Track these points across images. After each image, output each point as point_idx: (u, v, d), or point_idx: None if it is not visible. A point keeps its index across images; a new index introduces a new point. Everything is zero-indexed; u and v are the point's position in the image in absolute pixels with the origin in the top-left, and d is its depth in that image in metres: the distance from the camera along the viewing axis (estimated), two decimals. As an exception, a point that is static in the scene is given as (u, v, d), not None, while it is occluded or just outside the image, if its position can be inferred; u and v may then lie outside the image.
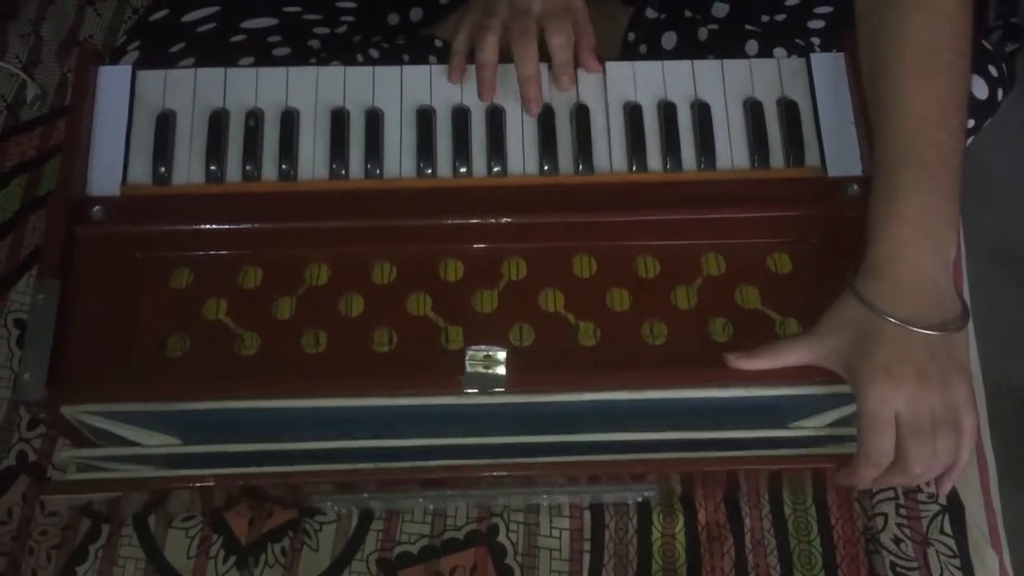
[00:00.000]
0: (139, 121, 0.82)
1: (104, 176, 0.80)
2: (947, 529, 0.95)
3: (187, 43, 0.93)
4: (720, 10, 1.00)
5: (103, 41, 1.24)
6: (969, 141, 0.94)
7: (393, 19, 1.04)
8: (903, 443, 0.69)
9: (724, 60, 0.85)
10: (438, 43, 0.98)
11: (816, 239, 0.78)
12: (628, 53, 0.98)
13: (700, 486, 0.94)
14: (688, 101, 0.84)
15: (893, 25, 0.76)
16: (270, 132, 0.82)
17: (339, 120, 0.82)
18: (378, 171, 0.81)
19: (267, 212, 0.79)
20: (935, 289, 0.71)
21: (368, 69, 0.85)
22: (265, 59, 0.93)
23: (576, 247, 0.78)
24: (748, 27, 0.96)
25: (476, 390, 0.72)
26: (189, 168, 0.81)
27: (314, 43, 0.98)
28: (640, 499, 0.94)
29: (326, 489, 0.86)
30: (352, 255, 0.78)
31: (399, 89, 0.84)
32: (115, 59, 0.94)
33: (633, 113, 0.83)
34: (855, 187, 0.79)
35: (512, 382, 0.72)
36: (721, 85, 0.84)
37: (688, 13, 0.99)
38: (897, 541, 0.94)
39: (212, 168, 0.81)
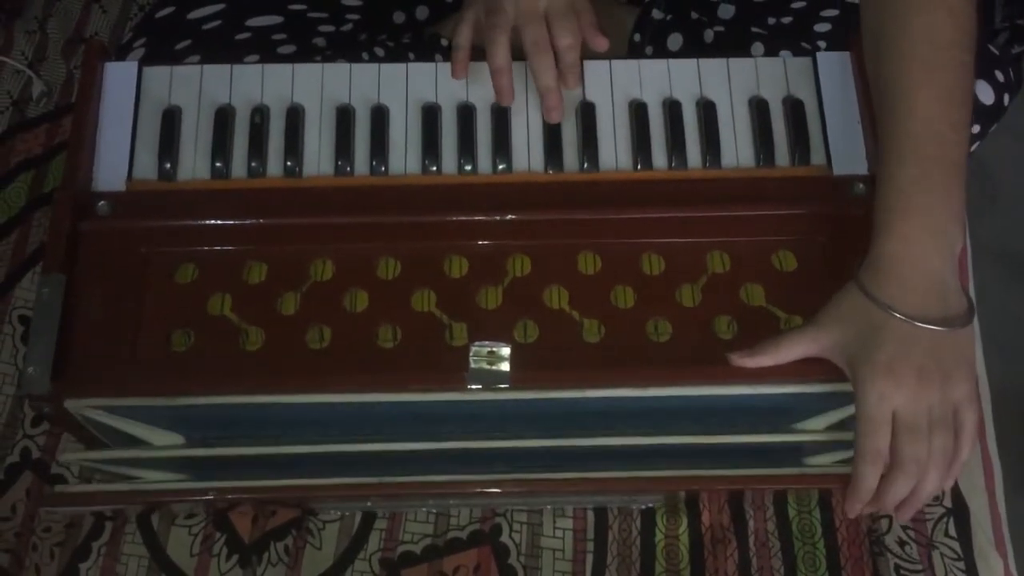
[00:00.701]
0: (145, 117, 0.83)
1: (110, 172, 0.81)
2: (952, 532, 0.95)
3: (193, 40, 0.93)
4: (726, 12, 1.00)
5: (109, 38, 1.24)
6: (975, 146, 0.94)
7: (399, 17, 1.04)
8: (897, 442, 0.69)
9: (730, 59, 0.86)
10: (444, 42, 0.98)
11: (821, 237, 0.78)
12: (634, 54, 0.98)
13: (705, 492, 0.93)
14: (694, 99, 0.84)
15: (896, 21, 0.76)
16: (275, 129, 0.82)
17: (344, 117, 0.82)
18: (383, 168, 0.81)
19: (272, 208, 0.79)
20: (940, 285, 0.71)
21: (374, 66, 0.85)
22: (270, 57, 0.93)
23: (581, 244, 0.78)
24: (754, 29, 0.96)
25: (480, 386, 0.72)
26: (194, 164, 0.82)
27: (319, 41, 0.98)
28: (644, 507, 0.94)
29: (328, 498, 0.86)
30: (357, 251, 0.78)
31: (404, 86, 0.84)
32: (121, 56, 0.94)
33: (639, 111, 0.83)
34: (861, 186, 0.79)
35: (516, 379, 0.72)
36: (727, 83, 0.84)
37: (694, 15, 0.99)
38: (902, 544, 0.94)
39: (217, 164, 0.81)
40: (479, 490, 0.78)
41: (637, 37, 0.99)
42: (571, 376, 0.73)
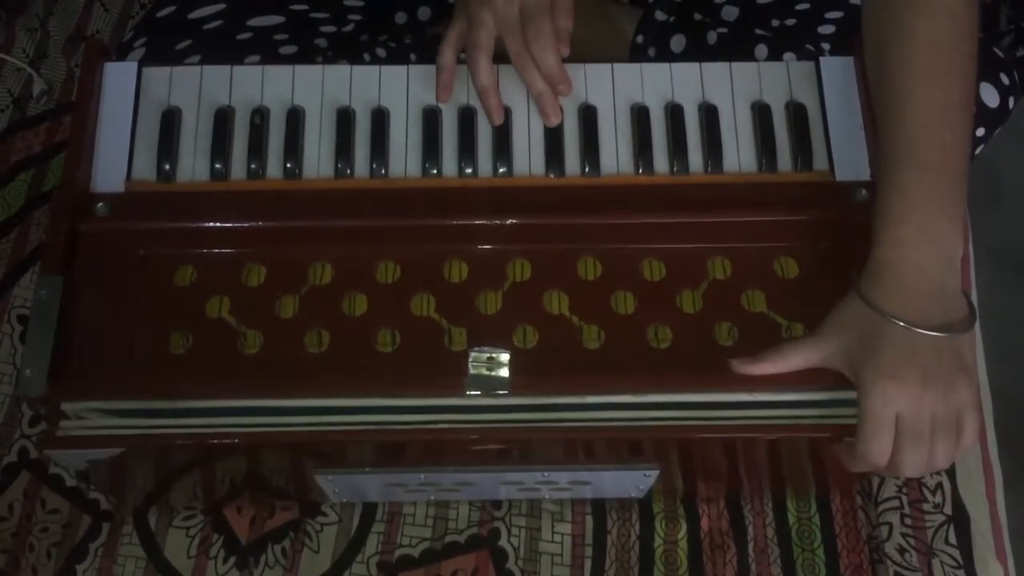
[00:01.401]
0: (144, 117, 0.82)
1: (109, 172, 0.80)
2: (952, 539, 0.94)
3: (194, 40, 0.93)
4: (730, 13, 0.99)
5: (110, 36, 1.23)
6: (979, 149, 0.93)
7: (401, 18, 1.03)
8: (899, 446, 0.69)
9: (732, 63, 0.85)
10: (445, 42, 0.98)
11: (824, 243, 0.78)
12: (637, 56, 0.98)
13: (701, 473, 0.91)
14: (696, 103, 0.83)
15: (898, 25, 0.75)
16: (275, 130, 0.82)
17: (345, 119, 0.82)
18: (383, 170, 0.81)
19: (271, 210, 0.79)
20: (939, 290, 0.70)
21: (374, 68, 0.85)
22: (271, 57, 0.93)
23: (581, 249, 0.78)
24: (758, 31, 0.96)
25: (479, 392, 0.72)
26: (194, 165, 0.81)
27: (321, 42, 0.97)
28: (642, 486, 0.92)
29: (326, 462, 0.84)
30: (356, 254, 0.77)
31: (405, 88, 0.84)
32: (122, 55, 0.93)
33: (640, 115, 0.82)
34: (863, 191, 0.78)
35: (515, 384, 0.72)
36: (729, 87, 0.84)
37: (697, 16, 0.98)
38: (902, 551, 0.94)
39: (217, 166, 0.81)
40: (475, 436, 0.75)
41: (640, 38, 0.98)
42: (571, 382, 0.73)
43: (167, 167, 0.81)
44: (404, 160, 0.82)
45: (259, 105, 0.83)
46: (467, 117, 0.82)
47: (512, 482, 0.89)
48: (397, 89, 0.84)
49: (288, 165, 0.81)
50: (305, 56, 0.94)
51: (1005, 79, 0.94)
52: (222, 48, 0.92)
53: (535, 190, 0.80)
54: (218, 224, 0.78)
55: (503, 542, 0.94)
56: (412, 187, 0.80)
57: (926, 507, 0.96)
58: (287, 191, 0.80)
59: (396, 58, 0.98)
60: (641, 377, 0.73)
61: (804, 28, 0.95)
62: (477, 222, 0.78)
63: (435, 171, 0.81)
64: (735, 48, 0.95)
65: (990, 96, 0.92)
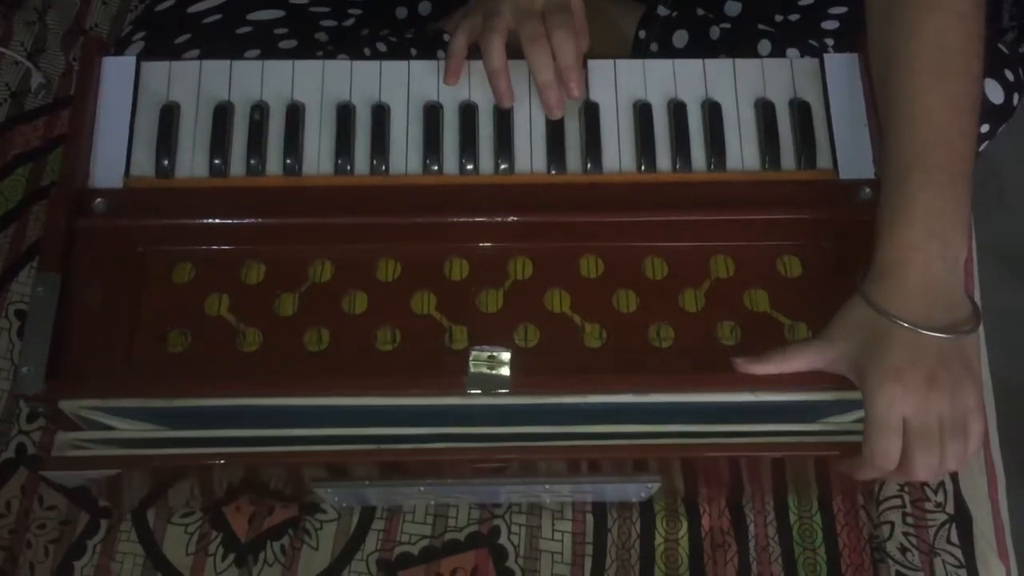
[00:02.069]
0: (143, 113, 0.82)
1: (107, 168, 0.80)
2: (954, 539, 0.94)
3: (193, 34, 0.92)
4: (733, 9, 0.99)
5: (109, 30, 1.23)
6: (983, 146, 0.93)
7: (401, 12, 1.03)
8: (910, 449, 0.68)
9: (736, 60, 0.85)
10: (447, 37, 0.97)
11: (827, 242, 0.77)
12: (639, 51, 0.97)
13: (704, 483, 0.92)
14: (699, 100, 0.83)
15: (905, 25, 0.75)
16: (275, 126, 0.81)
17: (345, 115, 0.81)
18: (384, 167, 0.80)
19: (271, 207, 0.78)
20: (944, 292, 0.70)
21: (375, 63, 0.84)
22: (271, 51, 0.92)
23: (583, 247, 0.78)
24: (761, 27, 0.95)
25: (479, 391, 0.71)
26: (193, 161, 0.81)
27: (321, 36, 0.97)
28: (644, 494, 0.92)
29: (325, 476, 0.84)
30: (356, 252, 0.77)
31: (406, 84, 0.83)
32: (120, 49, 0.92)
33: (643, 112, 0.82)
34: (867, 190, 0.78)
35: (516, 383, 0.71)
36: (732, 85, 0.83)
37: (700, 11, 0.98)
38: (903, 550, 0.93)
39: (216, 162, 0.80)
40: (475, 458, 0.75)
41: (642, 34, 0.98)
42: (572, 382, 0.72)
43: (166, 163, 0.80)
44: (405, 157, 0.81)
45: (259, 100, 0.82)
46: (468, 114, 0.82)
47: (514, 491, 0.89)
48: (398, 85, 0.83)
49: (288, 161, 0.80)
50: (305, 50, 0.94)
51: (1010, 75, 0.93)
52: (221, 42, 0.92)
53: (536, 187, 0.79)
54: (217, 221, 0.78)
55: (503, 540, 0.94)
56: (413, 184, 0.80)
57: (928, 506, 0.95)
58: (287, 188, 0.80)
59: (397, 53, 0.97)
60: (643, 376, 0.72)
61: (807, 23, 0.95)
62: (478, 219, 0.77)
63: (436, 168, 0.80)
64: (738, 44, 0.94)
65: (995, 93, 0.92)
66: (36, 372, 0.71)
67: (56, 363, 0.72)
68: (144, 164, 0.80)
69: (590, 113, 0.82)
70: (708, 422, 0.75)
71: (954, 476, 0.97)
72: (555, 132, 0.81)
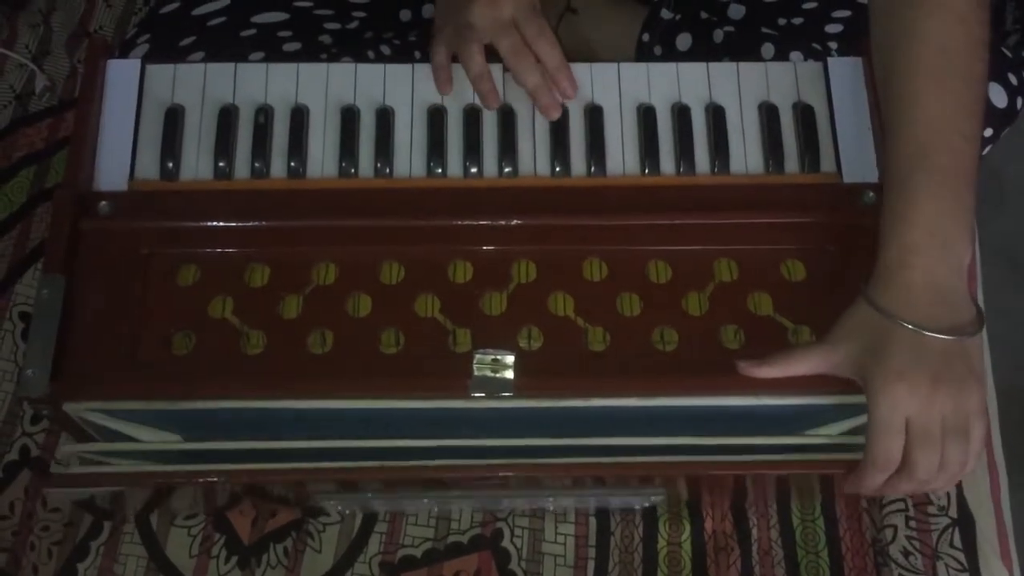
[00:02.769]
0: (147, 115, 0.82)
1: (111, 171, 0.80)
2: (957, 542, 0.94)
3: (197, 36, 0.93)
4: (736, 12, 0.99)
5: (113, 32, 1.23)
6: (987, 149, 0.93)
7: (405, 15, 1.03)
8: (911, 450, 0.68)
9: (740, 63, 0.85)
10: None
11: (831, 246, 0.77)
12: (642, 54, 0.98)
13: (708, 492, 0.93)
14: (703, 104, 0.83)
15: (908, 28, 0.75)
16: (279, 129, 0.82)
17: (349, 117, 0.82)
18: (388, 170, 0.81)
19: (275, 210, 0.78)
20: (948, 294, 0.70)
21: (379, 66, 0.84)
22: (275, 54, 0.92)
23: (587, 250, 0.77)
24: (765, 30, 0.95)
25: (483, 394, 0.71)
26: (197, 164, 0.81)
27: (325, 38, 0.97)
28: (647, 504, 0.93)
29: (329, 488, 0.85)
30: (360, 255, 0.77)
31: (410, 87, 0.83)
32: (125, 51, 0.93)
33: (647, 115, 0.82)
34: (871, 194, 0.78)
35: (520, 386, 0.71)
36: (736, 88, 0.83)
37: (704, 15, 0.98)
38: (906, 553, 0.93)
39: (220, 164, 0.80)
40: (479, 475, 0.76)
41: (646, 37, 0.98)
42: (576, 385, 0.72)
43: (170, 165, 0.80)
44: (409, 160, 0.81)
45: (263, 103, 0.82)
46: (472, 117, 0.82)
47: (517, 499, 0.89)
48: (402, 88, 0.83)
49: (292, 164, 0.80)
50: (309, 53, 0.94)
51: (1013, 79, 0.93)
52: (226, 45, 0.92)
53: (540, 190, 0.80)
54: (221, 223, 0.78)
55: (506, 543, 0.94)
56: (417, 187, 0.80)
57: (931, 510, 0.95)
58: (291, 190, 0.80)
59: (400, 55, 0.98)
60: (647, 380, 0.72)
61: (811, 27, 0.95)
62: (482, 222, 0.77)
63: (440, 171, 0.80)
64: (741, 47, 0.94)
65: (998, 96, 0.92)
66: (40, 374, 0.71)
67: (60, 365, 0.72)
68: (148, 166, 0.80)
69: (594, 116, 0.82)
70: (713, 433, 0.75)
71: (957, 479, 0.97)
72: (559, 135, 0.81)
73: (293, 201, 0.79)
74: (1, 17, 1.22)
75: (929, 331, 0.68)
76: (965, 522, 0.95)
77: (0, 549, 0.93)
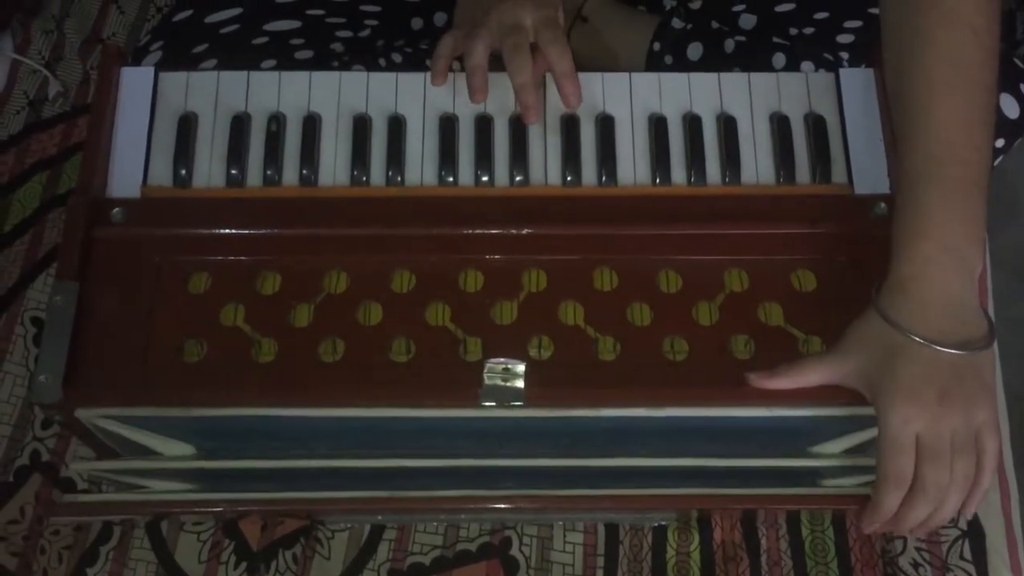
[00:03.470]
0: (161, 123, 0.82)
1: (124, 178, 0.80)
2: (967, 555, 0.94)
3: (210, 44, 0.93)
4: (747, 22, 0.99)
5: (126, 39, 1.23)
6: (999, 160, 0.93)
7: (417, 23, 1.03)
8: (920, 466, 0.68)
9: (751, 73, 0.85)
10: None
11: (842, 257, 0.77)
12: (653, 63, 0.98)
13: (718, 513, 0.93)
14: (714, 114, 0.83)
15: (920, 38, 0.75)
16: (292, 137, 0.82)
17: (361, 126, 0.82)
18: (399, 178, 0.81)
19: (287, 218, 0.78)
20: (960, 307, 0.70)
21: (391, 75, 0.84)
22: (288, 61, 0.93)
23: (597, 260, 0.78)
24: (776, 40, 0.95)
25: (494, 403, 0.71)
26: (210, 171, 0.81)
27: (337, 46, 0.97)
28: (657, 523, 0.93)
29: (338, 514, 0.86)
30: (371, 263, 0.77)
31: (422, 95, 0.83)
32: (138, 58, 0.93)
33: (658, 125, 0.82)
34: (882, 205, 0.78)
35: (531, 396, 0.71)
36: (748, 98, 0.83)
37: (715, 24, 0.98)
38: (916, 565, 0.93)
39: (233, 172, 0.81)
40: (489, 506, 0.77)
41: (657, 45, 0.98)
42: (586, 395, 0.72)
43: (183, 173, 0.80)
44: (420, 168, 0.81)
45: (276, 111, 0.83)
46: (484, 125, 0.82)
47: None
48: (414, 96, 0.83)
49: (304, 172, 0.80)
50: (321, 61, 0.94)
51: (1024, 89, 0.93)
52: (238, 52, 0.92)
53: (551, 199, 0.80)
54: (233, 231, 0.78)
55: (514, 551, 0.94)
56: (428, 195, 0.80)
57: (941, 521, 0.95)
58: (303, 198, 0.80)
59: (412, 63, 0.98)
60: (657, 390, 0.72)
61: (822, 37, 0.95)
62: (493, 231, 0.78)
63: (451, 179, 0.81)
64: (752, 56, 0.94)
65: (1010, 107, 0.92)
66: (53, 380, 0.71)
67: (72, 371, 0.72)
68: (162, 173, 0.81)
69: (605, 125, 0.82)
70: (723, 448, 0.75)
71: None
72: (570, 144, 0.81)
73: (305, 209, 0.79)
74: (15, 23, 1.23)
75: (940, 346, 0.68)
76: (975, 534, 0.95)
77: (10, 553, 0.93)
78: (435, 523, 0.94)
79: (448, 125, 0.82)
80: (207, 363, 0.74)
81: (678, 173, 0.81)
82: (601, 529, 0.95)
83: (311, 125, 0.82)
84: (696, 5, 1.02)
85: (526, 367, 0.72)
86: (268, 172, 0.81)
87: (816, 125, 0.82)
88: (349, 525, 0.94)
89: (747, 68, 0.88)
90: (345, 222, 0.78)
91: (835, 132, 0.82)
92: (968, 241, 0.71)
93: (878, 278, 0.72)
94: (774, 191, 0.80)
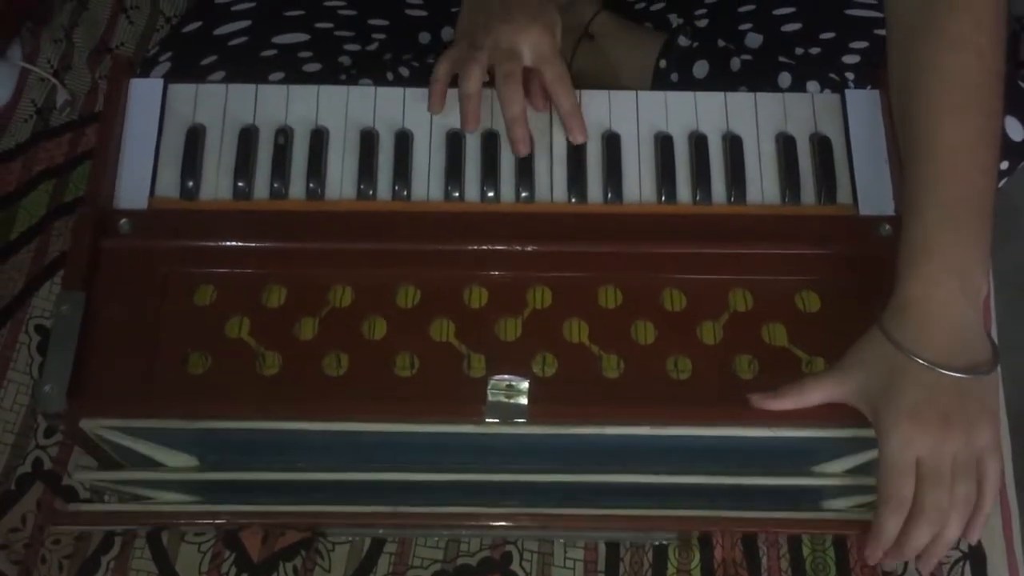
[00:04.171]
0: (169, 134, 0.82)
1: (132, 189, 0.81)
2: (968, 576, 0.94)
3: (218, 56, 0.93)
4: (754, 41, 0.99)
5: (135, 49, 1.24)
6: (1003, 182, 0.93)
7: (424, 38, 1.04)
8: (920, 489, 0.68)
9: (757, 93, 0.85)
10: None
11: (846, 278, 0.77)
12: (659, 81, 0.98)
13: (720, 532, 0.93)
14: (720, 133, 0.83)
15: (925, 62, 0.75)
16: (299, 150, 0.82)
17: (368, 140, 0.82)
18: (406, 193, 0.81)
19: (293, 231, 0.79)
20: (964, 330, 0.70)
21: (399, 90, 0.85)
22: (295, 74, 0.93)
23: (602, 277, 0.78)
24: (782, 59, 0.95)
25: (498, 420, 0.71)
26: (217, 183, 0.81)
27: (345, 59, 0.98)
28: (656, 544, 0.93)
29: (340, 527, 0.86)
30: (376, 277, 0.77)
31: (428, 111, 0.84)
32: (146, 69, 0.94)
33: (664, 144, 0.82)
34: (887, 227, 0.78)
35: (535, 413, 0.71)
36: (754, 118, 0.84)
37: (721, 43, 0.98)
38: (917, 586, 0.93)
39: (240, 184, 0.81)
40: (491, 523, 0.77)
41: (663, 63, 0.98)
42: (590, 412, 0.72)
43: (190, 185, 0.81)
44: (427, 183, 0.81)
45: (283, 124, 0.83)
46: (490, 141, 0.82)
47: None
48: (421, 111, 0.84)
49: (311, 186, 0.81)
50: (329, 74, 0.94)
51: (1030, 112, 0.93)
52: (247, 65, 0.93)
53: (557, 216, 0.80)
54: (240, 243, 0.78)
55: (515, 566, 0.93)
56: (434, 211, 0.80)
57: (942, 543, 0.95)
58: (309, 212, 0.80)
59: (419, 77, 0.98)
60: (661, 408, 0.73)
61: (828, 57, 0.95)
62: (498, 247, 0.78)
63: (457, 195, 0.81)
64: (758, 75, 0.94)
65: (1014, 130, 0.92)
66: (58, 390, 0.71)
67: (77, 381, 0.72)
68: (169, 185, 0.81)
69: (611, 143, 0.82)
70: (725, 467, 0.75)
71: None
72: (576, 162, 0.82)
73: (311, 222, 0.79)
74: (24, 32, 1.23)
75: (944, 369, 0.68)
76: (977, 556, 0.94)
77: (11, 562, 0.93)
78: (436, 537, 0.94)
79: (455, 141, 0.82)
80: (211, 375, 0.74)
81: (683, 192, 0.81)
82: (602, 547, 0.94)
83: (318, 139, 0.82)
84: (703, 23, 1.02)
85: (530, 384, 0.72)
86: (275, 185, 0.81)
87: (822, 146, 0.82)
88: (350, 538, 0.94)
89: (753, 87, 0.88)
90: (351, 236, 0.78)
91: (840, 153, 0.82)
92: (973, 262, 0.71)
93: (882, 299, 0.72)
94: (779, 211, 0.80)
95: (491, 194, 0.81)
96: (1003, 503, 0.97)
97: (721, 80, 0.95)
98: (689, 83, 0.96)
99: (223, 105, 0.84)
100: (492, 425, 0.71)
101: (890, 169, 0.80)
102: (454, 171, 0.81)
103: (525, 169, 0.81)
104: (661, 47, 0.98)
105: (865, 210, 0.80)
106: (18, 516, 0.96)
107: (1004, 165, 0.92)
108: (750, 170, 0.81)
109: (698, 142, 0.82)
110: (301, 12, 0.97)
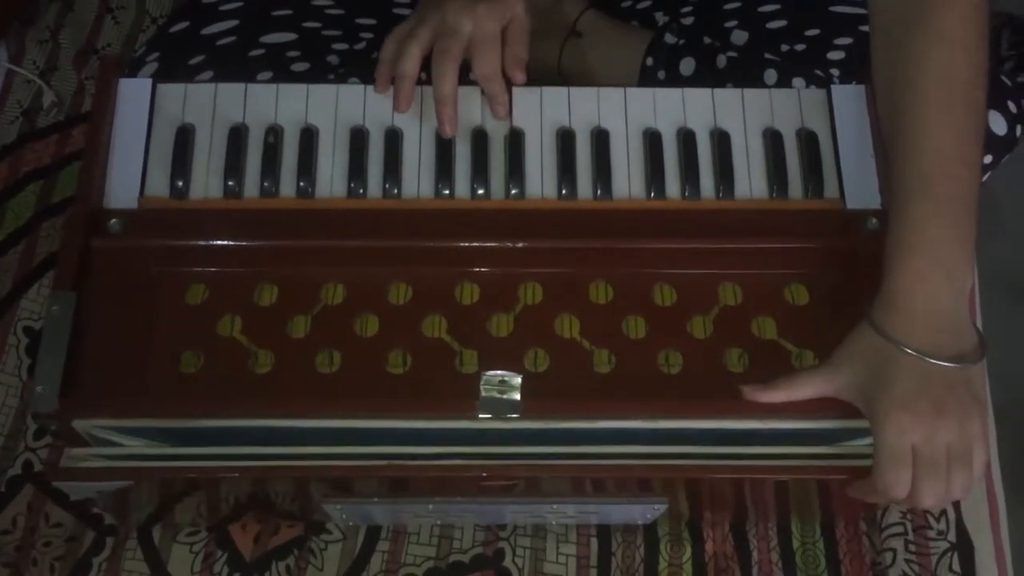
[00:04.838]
0: (158, 134, 0.82)
1: (122, 188, 0.80)
2: (956, 566, 0.94)
3: (206, 56, 0.93)
4: (739, 38, 1.00)
5: (120, 50, 1.23)
6: (986, 176, 0.94)
7: (413, 37, 1.03)
8: (917, 478, 0.69)
9: (744, 89, 0.86)
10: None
11: (834, 271, 0.78)
12: (646, 78, 0.98)
13: (709, 506, 0.92)
14: (708, 129, 0.84)
15: (910, 57, 0.76)
16: (289, 149, 0.82)
17: (358, 138, 0.82)
18: (396, 191, 0.81)
19: (284, 229, 0.79)
20: (952, 321, 0.71)
21: (389, 88, 0.85)
22: (283, 74, 0.93)
23: (593, 273, 0.78)
24: (767, 56, 0.96)
25: (491, 415, 0.72)
26: (207, 183, 0.81)
27: (332, 59, 0.98)
28: (649, 516, 0.93)
29: (333, 492, 0.84)
30: (368, 275, 0.77)
31: (419, 108, 0.84)
32: (133, 69, 0.93)
33: (652, 140, 0.83)
34: (874, 220, 0.79)
35: (527, 408, 0.72)
36: (741, 114, 0.84)
37: (707, 40, 0.99)
38: (905, 577, 0.94)
39: (230, 183, 0.81)
40: (483, 473, 0.75)
41: (650, 61, 0.99)
42: (582, 407, 0.73)
43: (180, 184, 0.81)
44: (417, 181, 0.82)
45: (273, 123, 0.83)
46: (480, 139, 0.83)
47: (519, 511, 0.89)
48: (411, 109, 0.84)
49: (301, 184, 0.81)
50: (317, 73, 0.95)
51: (1012, 107, 0.94)
52: (235, 64, 0.93)
53: (547, 213, 0.80)
54: (230, 243, 0.78)
55: (508, 562, 0.94)
56: (425, 208, 0.81)
57: (930, 534, 0.96)
58: (300, 210, 0.80)
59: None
60: (652, 402, 0.73)
61: (813, 53, 0.96)
62: (489, 244, 0.78)
63: (448, 192, 0.81)
64: (744, 72, 0.95)
65: (998, 124, 0.93)
66: (50, 391, 0.71)
67: (69, 382, 0.72)
68: (159, 185, 0.81)
69: (600, 140, 0.83)
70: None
71: (956, 504, 0.97)
72: (566, 158, 0.82)
73: (302, 221, 0.79)
74: (10, 33, 1.23)
75: (934, 358, 0.69)
76: (964, 547, 0.96)
77: (2, 564, 0.93)
78: (429, 531, 0.94)
79: (445, 138, 0.82)
80: (204, 374, 0.74)
81: (672, 187, 0.82)
82: (594, 541, 0.95)
83: (308, 137, 0.82)
84: (688, 21, 1.03)
85: (522, 379, 0.72)
86: (265, 184, 0.81)
87: (808, 141, 0.83)
88: (343, 535, 0.94)
89: (739, 84, 0.89)
90: (342, 234, 0.79)
91: (827, 148, 0.83)
92: (959, 256, 0.72)
93: (870, 292, 0.73)
94: (767, 206, 0.81)
95: (481, 191, 0.81)
96: (990, 495, 0.99)
97: (707, 77, 0.96)
98: (676, 80, 0.97)
99: (212, 104, 0.84)
100: (485, 421, 0.72)
101: (876, 163, 0.81)
102: (444, 168, 0.82)
103: (515, 166, 0.82)
104: (648, 45, 0.99)
105: (852, 204, 0.81)
106: (8, 518, 0.95)
107: (988, 159, 0.93)
108: (738, 165, 0.82)
109: (686, 138, 0.83)
110: (289, 12, 0.98)
